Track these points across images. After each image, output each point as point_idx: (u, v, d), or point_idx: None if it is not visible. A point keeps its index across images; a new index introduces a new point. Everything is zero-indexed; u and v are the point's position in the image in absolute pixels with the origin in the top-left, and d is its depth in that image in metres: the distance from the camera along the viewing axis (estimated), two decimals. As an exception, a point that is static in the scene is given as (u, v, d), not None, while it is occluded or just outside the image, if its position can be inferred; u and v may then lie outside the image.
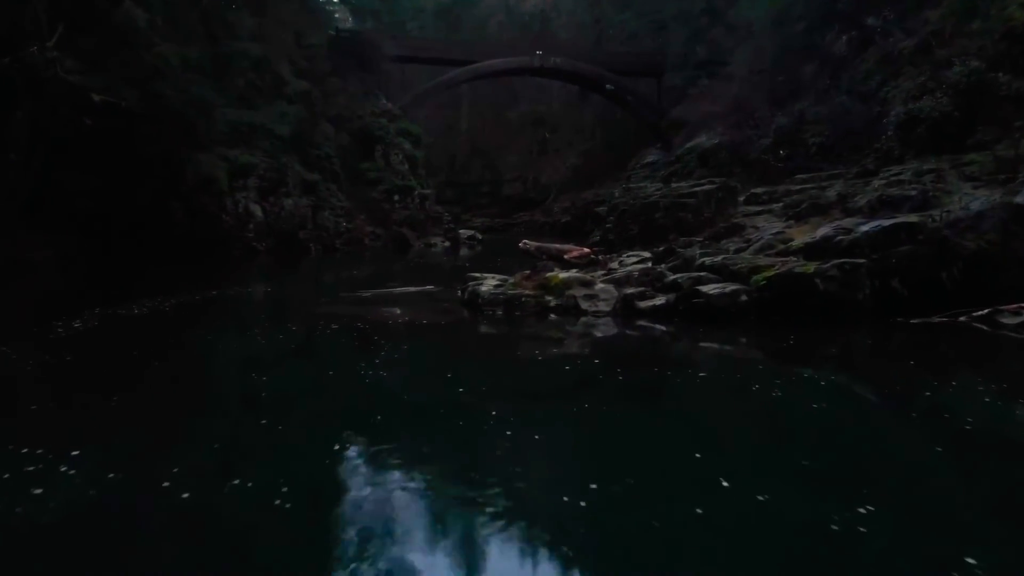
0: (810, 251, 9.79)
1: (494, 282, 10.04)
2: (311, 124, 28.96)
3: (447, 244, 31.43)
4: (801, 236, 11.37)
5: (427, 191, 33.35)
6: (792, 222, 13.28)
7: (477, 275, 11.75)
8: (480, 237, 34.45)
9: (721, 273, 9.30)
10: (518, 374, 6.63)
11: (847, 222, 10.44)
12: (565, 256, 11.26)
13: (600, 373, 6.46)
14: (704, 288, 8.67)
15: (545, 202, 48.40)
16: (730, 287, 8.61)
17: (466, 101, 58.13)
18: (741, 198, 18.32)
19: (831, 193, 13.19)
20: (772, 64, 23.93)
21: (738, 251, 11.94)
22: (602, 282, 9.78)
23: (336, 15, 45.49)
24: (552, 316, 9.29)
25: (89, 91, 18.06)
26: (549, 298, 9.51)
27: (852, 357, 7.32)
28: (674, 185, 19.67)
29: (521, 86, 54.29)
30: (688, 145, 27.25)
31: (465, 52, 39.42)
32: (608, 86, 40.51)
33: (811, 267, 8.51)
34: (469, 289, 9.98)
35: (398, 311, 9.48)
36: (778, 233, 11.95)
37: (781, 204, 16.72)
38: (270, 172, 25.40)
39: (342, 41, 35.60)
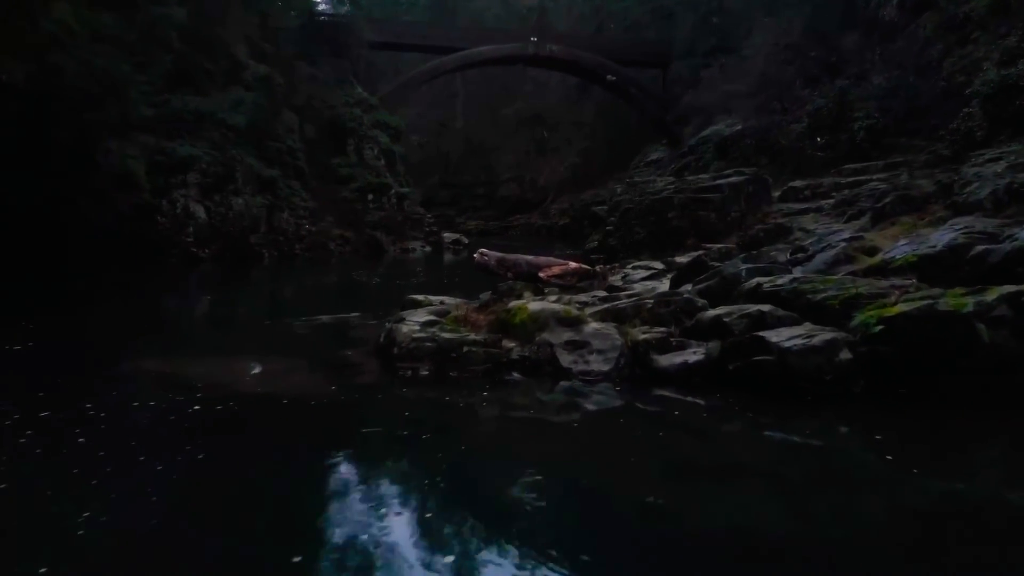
0: (929, 268, 6.10)
1: (424, 317, 6.33)
2: (271, 113, 25.35)
3: (428, 249, 27.86)
4: (891, 243, 7.69)
5: (405, 190, 29.67)
6: (865, 222, 9.57)
7: (419, 298, 8.09)
8: (466, 242, 30.82)
9: (793, 305, 5.60)
10: None
11: (977, 222, 6.74)
12: (542, 274, 7.55)
13: None
14: (773, 336, 4.96)
15: (543, 204, 44.93)
16: (819, 335, 4.90)
17: (460, 98, 54.73)
18: (775, 193, 14.66)
19: (925, 182, 9.51)
20: (803, 37, 20.25)
21: (794, 263, 8.28)
22: (596, 319, 6.07)
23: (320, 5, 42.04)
24: (513, 376, 5.59)
25: (-40, 62, 14.45)
26: (509, 345, 5.82)
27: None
28: (690, 178, 15.98)
29: (517, 81, 50.85)
30: (703, 134, 23.52)
31: (454, 38, 35.84)
32: (609, 77, 36.88)
33: (966, 302, 4.80)
34: (387, 329, 6.29)
35: (259, 370, 5.78)
36: (854, 238, 8.26)
37: (832, 200, 13.06)
38: (215, 166, 21.76)
39: (317, 25, 32.06)
